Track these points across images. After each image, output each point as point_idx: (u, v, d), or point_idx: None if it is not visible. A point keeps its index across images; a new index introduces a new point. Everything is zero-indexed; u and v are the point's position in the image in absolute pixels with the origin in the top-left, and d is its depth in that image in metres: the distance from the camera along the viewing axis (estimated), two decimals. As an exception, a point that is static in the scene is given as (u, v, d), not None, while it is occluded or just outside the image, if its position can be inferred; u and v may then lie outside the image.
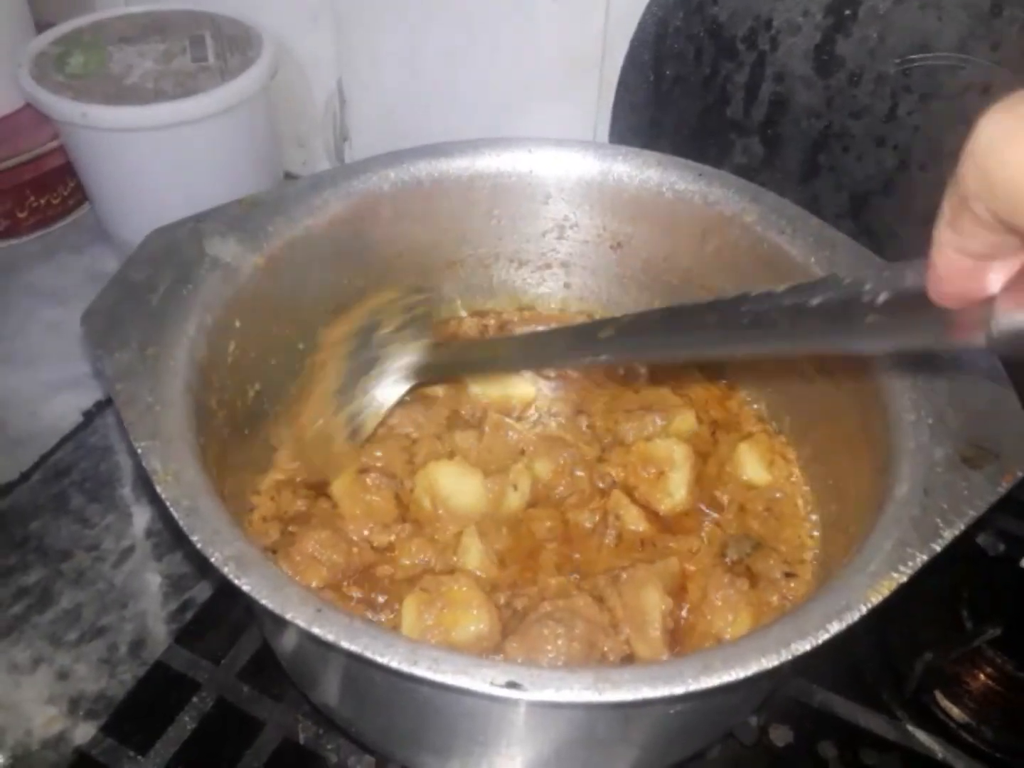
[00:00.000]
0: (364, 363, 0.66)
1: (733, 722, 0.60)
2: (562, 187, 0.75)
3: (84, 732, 0.68)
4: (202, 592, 0.77)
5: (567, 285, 0.83)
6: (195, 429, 0.54)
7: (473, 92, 0.99)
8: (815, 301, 0.39)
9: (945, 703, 0.69)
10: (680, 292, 0.75)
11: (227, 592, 0.74)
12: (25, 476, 0.85)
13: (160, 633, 0.74)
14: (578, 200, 0.76)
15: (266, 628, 0.61)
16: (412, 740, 0.55)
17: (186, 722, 0.68)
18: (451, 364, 0.68)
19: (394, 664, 0.41)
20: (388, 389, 0.66)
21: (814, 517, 0.67)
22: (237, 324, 0.64)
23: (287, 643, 0.56)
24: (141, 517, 0.83)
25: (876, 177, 0.77)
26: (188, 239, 0.65)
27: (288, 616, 0.43)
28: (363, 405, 0.66)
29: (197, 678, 0.70)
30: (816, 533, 0.66)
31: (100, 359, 0.55)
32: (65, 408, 0.92)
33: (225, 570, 0.44)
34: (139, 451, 0.50)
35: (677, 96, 0.83)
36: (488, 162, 0.75)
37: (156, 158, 0.94)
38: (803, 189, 0.80)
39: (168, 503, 0.47)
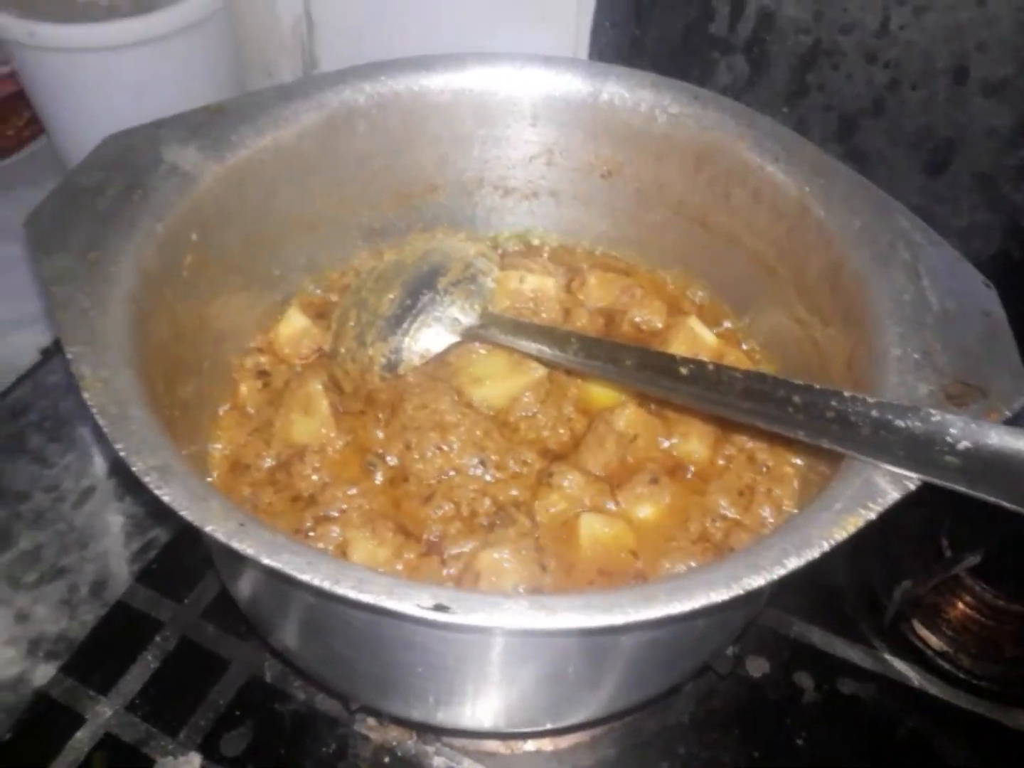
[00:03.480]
0: (423, 302, 0.67)
1: (709, 656, 0.58)
2: (551, 108, 0.71)
3: (44, 673, 0.66)
4: (166, 532, 0.74)
5: (556, 217, 0.77)
6: (136, 340, 0.50)
7: (447, 13, 0.94)
8: (901, 423, 0.44)
9: (923, 632, 0.68)
10: (672, 225, 0.71)
11: (191, 531, 0.72)
12: (-20, 416, 0.82)
13: (122, 573, 0.72)
14: (567, 123, 0.71)
15: (222, 570, 0.59)
16: (373, 683, 0.53)
17: (148, 661, 0.66)
18: (505, 337, 0.65)
19: (316, 582, 0.38)
20: (437, 338, 0.67)
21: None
22: (194, 237, 0.60)
23: (242, 583, 0.53)
24: (102, 457, 0.80)
25: (866, 96, 0.73)
26: (145, 145, 0.61)
27: (208, 529, 0.40)
28: (406, 344, 0.66)
29: (160, 617, 0.68)
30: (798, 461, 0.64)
31: (39, 262, 0.52)
32: (22, 346, 0.88)
33: (147, 480, 0.42)
34: (69, 356, 0.47)
35: (658, 12, 0.78)
36: (473, 78, 0.70)
37: (112, 81, 0.89)
38: (790, 111, 0.77)
39: (94, 410, 0.44)
